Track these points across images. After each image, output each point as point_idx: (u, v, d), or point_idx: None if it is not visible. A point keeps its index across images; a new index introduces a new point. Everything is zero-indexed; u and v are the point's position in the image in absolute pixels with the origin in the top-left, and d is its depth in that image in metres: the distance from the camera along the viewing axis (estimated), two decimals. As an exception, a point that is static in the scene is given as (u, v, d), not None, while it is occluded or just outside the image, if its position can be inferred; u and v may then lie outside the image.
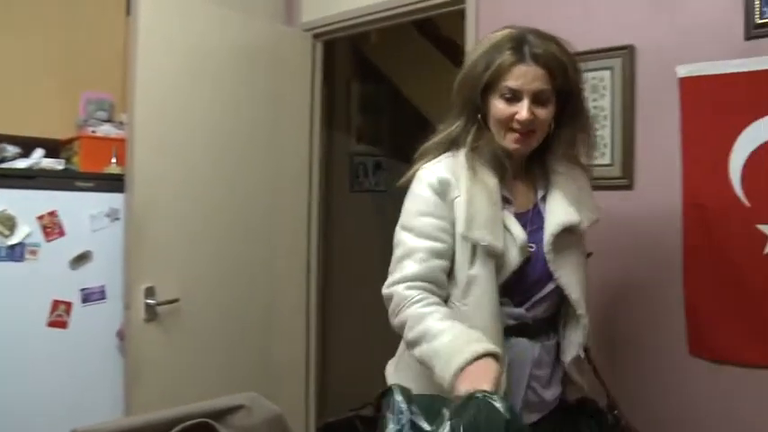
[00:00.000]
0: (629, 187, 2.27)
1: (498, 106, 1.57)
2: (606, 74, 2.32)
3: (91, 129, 2.92)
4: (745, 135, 2.00)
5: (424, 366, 1.47)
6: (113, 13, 3.06)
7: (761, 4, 2.04)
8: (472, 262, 1.55)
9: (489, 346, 1.38)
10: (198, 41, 2.88)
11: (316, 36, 3.46)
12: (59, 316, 2.72)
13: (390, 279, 1.61)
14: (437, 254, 1.57)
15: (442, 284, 1.58)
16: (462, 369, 1.33)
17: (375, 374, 4.66)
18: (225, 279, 3.02)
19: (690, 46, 2.14)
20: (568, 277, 1.62)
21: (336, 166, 4.34)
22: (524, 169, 1.70)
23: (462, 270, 1.57)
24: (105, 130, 2.94)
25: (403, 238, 1.63)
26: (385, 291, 1.61)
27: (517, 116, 1.54)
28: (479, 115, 1.62)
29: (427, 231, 1.58)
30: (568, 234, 1.62)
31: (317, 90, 3.52)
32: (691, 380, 2.12)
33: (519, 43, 1.55)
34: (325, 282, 3.89)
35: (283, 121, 3.32)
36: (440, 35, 4.21)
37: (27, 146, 2.84)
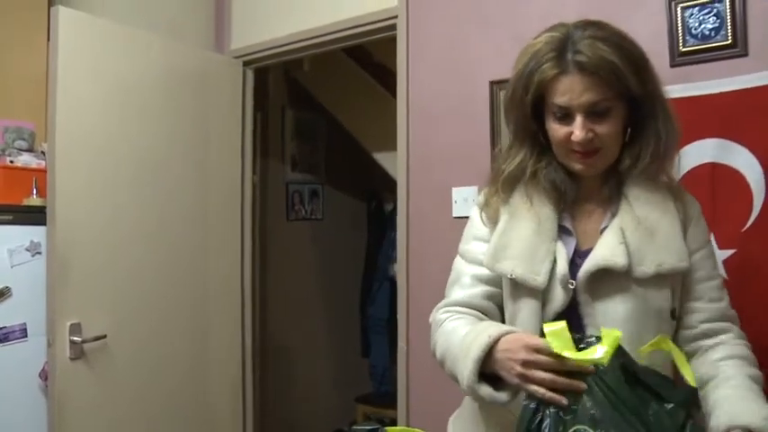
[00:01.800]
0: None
1: (553, 127, 1.36)
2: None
3: (9, 158, 2.79)
4: (675, 162, 2.03)
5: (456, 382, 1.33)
6: (34, 36, 2.94)
7: (683, 32, 2.10)
8: (513, 299, 1.40)
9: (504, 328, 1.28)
10: (123, 68, 2.81)
11: (246, 63, 3.44)
12: (-25, 357, 2.57)
13: (438, 305, 1.51)
14: (483, 280, 1.45)
15: (485, 311, 1.44)
16: (482, 360, 1.23)
17: (315, 407, 4.59)
18: (156, 313, 2.92)
19: (617, 73, 2.17)
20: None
21: (272, 194, 4.30)
22: (602, 190, 1.44)
23: (506, 308, 1.42)
24: (25, 159, 2.82)
25: (455, 263, 1.53)
26: (430, 318, 1.51)
27: (572, 137, 1.32)
28: (542, 136, 1.42)
29: (474, 256, 1.47)
30: (615, 279, 1.33)
31: (248, 117, 3.49)
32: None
33: (561, 49, 1.30)
34: (261, 314, 3.82)
35: (214, 151, 3.26)
36: (373, 62, 4.23)
37: (-62, 176, 2.69)
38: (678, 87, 2.06)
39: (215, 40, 3.52)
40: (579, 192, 1.44)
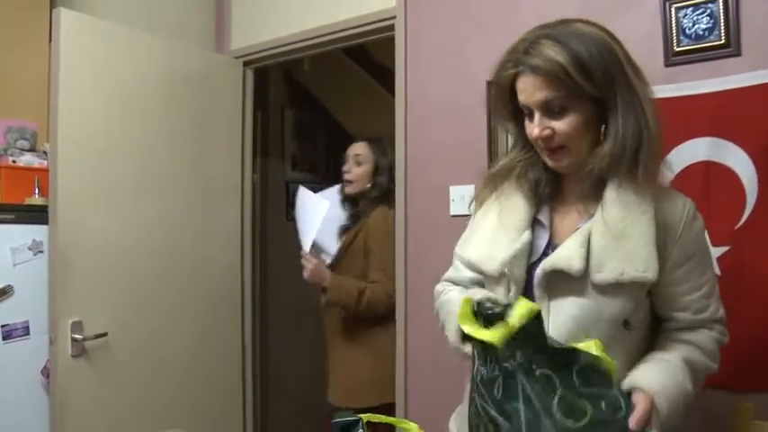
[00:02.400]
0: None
1: (525, 124, 1.39)
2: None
3: (11, 158, 2.82)
4: (668, 161, 2.05)
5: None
6: (36, 36, 2.96)
7: (677, 32, 2.12)
8: (486, 284, 1.50)
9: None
10: (124, 69, 2.83)
11: (246, 63, 3.46)
12: (-22, 354, 2.59)
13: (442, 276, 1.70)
14: (469, 265, 1.53)
15: None
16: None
17: (315, 407, 4.59)
18: (156, 311, 2.94)
19: (612, 72, 2.19)
20: (556, 332, 1.29)
21: (272, 193, 4.31)
22: (580, 188, 1.42)
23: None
24: (27, 159, 2.84)
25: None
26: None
27: (533, 134, 1.36)
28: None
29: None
30: (571, 282, 1.32)
31: (249, 117, 3.51)
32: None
33: (524, 51, 1.33)
34: (262, 312, 3.83)
35: (215, 150, 3.28)
36: (373, 61, 4.25)
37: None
38: (672, 87, 2.09)
39: (215, 41, 3.54)
40: (561, 188, 1.47)
